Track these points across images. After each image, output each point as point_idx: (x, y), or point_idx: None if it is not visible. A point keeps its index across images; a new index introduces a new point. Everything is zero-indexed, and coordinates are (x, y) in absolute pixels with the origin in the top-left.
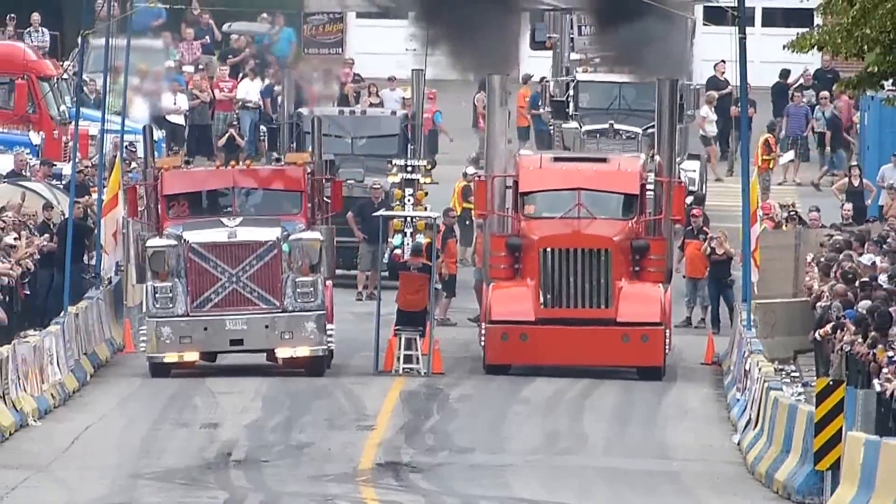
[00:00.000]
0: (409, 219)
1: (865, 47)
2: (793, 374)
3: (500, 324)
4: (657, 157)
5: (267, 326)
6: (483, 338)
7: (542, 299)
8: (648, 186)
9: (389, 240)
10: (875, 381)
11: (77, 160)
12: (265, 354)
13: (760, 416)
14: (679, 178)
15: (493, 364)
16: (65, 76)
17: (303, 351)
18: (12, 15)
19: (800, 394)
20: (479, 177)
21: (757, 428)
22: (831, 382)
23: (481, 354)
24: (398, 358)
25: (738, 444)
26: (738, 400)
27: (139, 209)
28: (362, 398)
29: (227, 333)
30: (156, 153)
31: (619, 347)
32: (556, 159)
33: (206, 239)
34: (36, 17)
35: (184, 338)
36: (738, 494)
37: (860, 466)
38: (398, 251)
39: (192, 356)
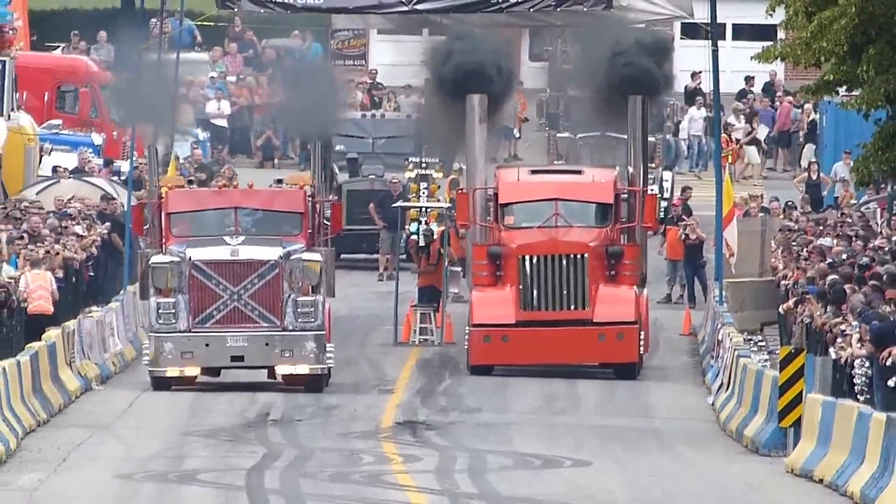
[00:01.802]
0: (423, 209)
1: (822, 58)
2: (759, 344)
3: (483, 327)
4: (630, 169)
5: (267, 344)
6: (467, 340)
7: (521, 303)
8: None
9: (406, 227)
10: (831, 350)
11: (134, 158)
12: (266, 371)
13: (731, 381)
14: (650, 188)
15: (476, 365)
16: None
17: (302, 369)
18: (75, 31)
19: (765, 361)
20: (462, 190)
21: (728, 391)
22: (793, 351)
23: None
24: (415, 330)
25: (712, 404)
26: (712, 366)
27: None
28: (383, 366)
29: (228, 350)
30: (202, 153)
31: (595, 346)
32: (534, 172)
33: (209, 257)
34: (102, 34)
35: (185, 353)
36: (712, 449)
37: (818, 424)
38: (414, 237)
39: (193, 371)
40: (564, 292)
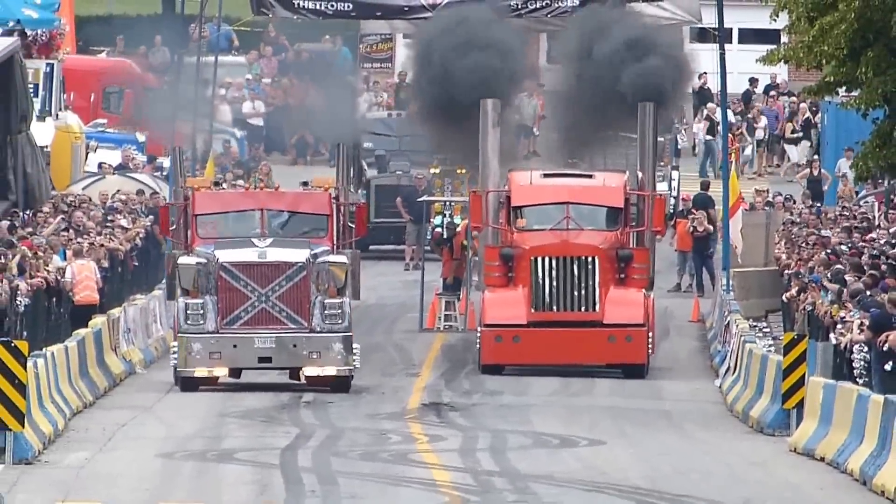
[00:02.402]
0: (447, 203)
1: (823, 61)
2: (764, 330)
3: (494, 327)
4: (640, 173)
5: (295, 346)
6: (479, 340)
7: (533, 304)
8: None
9: (431, 220)
10: (832, 336)
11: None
12: (288, 373)
13: (738, 365)
14: (659, 192)
15: (487, 364)
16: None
17: (330, 370)
18: (121, 36)
19: (770, 346)
20: (475, 192)
21: (735, 374)
22: (796, 336)
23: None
24: (439, 318)
25: (720, 387)
26: (720, 351)
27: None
28: (410, 351)
29: (256, 351)
30: (238, 149)
31: (605, 347)
32: (546, 175)
33: (237, 258)
34: (158, 38)
35: (213, 354)
36: (719, 429)
37: (820, 405)
38: (438, 229)
39: (220, 372)
40: (575, 294)
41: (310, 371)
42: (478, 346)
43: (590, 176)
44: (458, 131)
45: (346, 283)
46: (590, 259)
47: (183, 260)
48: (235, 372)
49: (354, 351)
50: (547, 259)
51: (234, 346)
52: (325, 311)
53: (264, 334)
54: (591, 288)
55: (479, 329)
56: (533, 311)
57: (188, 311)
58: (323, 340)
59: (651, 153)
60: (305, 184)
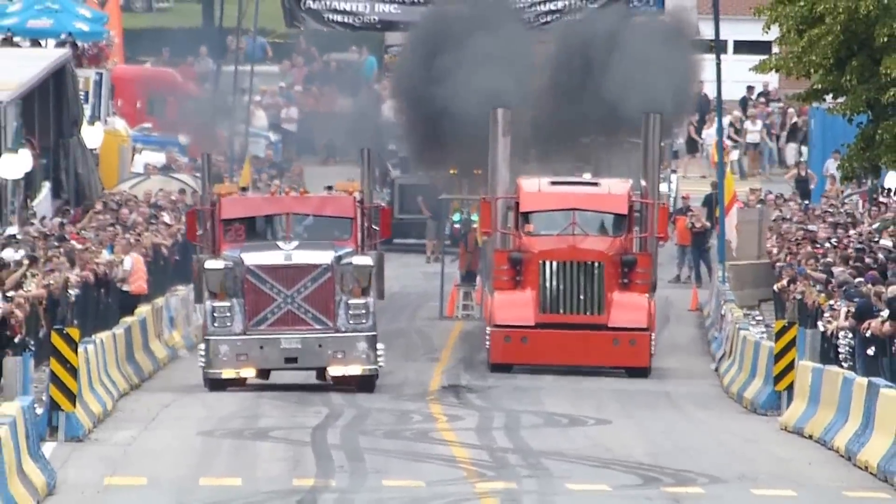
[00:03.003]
0: (463, 201)
1: (812, 70)
2: (757, 318)
3: (503, 328)
4: (643, 182)
5: (320, 346)
6: (488, 340)
7: (540, 306)
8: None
9: (450, 216)
10: (819, 323)
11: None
12: (315, 373)
13: (733, 350)
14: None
15: (496, 363)
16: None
17: (354, 370)
18: (167, 47)
19: (762, 333)
20: (485, 198)
21: (730, 358)
22: (787, 324)
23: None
24: (458, 306)
25: (716, 370)
26: (716, 337)
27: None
28: (431, 337)
29: (283, 352)
30: (273, 152)
31: (609, 350)
32: (553, 183)
33: (263, 261)
34: (203, 49)
35: (240, 355)
36: (716, 409)
37: (808, 387)
38: (457, 225)
39: (248, 373)
40: (581, 297)
41: (335, 370)
42: (487, 345)
43: (595, 184)
44: (464, 141)
45: (370, 284)
46: (595, 264)
47: (209, 264)
48: (264, 373)
49: (379, 350)
50: (554, 263)
51: (261, 347)
52: (350, 312)
53: (290, 335)
54: (597, 292)
55: (488, 330)
56: (541, 312)
57: (215, 314)
58: (348, 340)
59: (655, 162)
60: (330, 188)
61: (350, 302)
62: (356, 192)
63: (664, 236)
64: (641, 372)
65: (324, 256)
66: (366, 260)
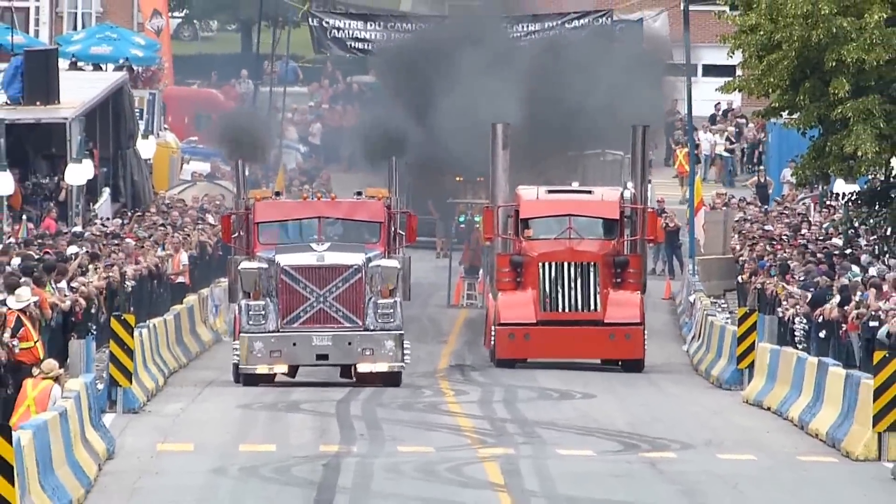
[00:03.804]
0: (468, 204)
1: (770, 90)
2: (722, 306)
3: (508, 326)
4: (633, 190)
5: (350, 343)
6: (493, 338)
7: (541, 305)
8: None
9: (456, 218)
10: (778, 309)
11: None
12: (340, 370)
13: (701, 333)
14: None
15: (502, 359)
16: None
17: (382, 366)
18: (214, 71)
19: (727, 318)
20: (487, 206)
21: (699, 341)
22: (748, 311)
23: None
24: (463, 296)
25: (687, 351)
26: (687, 323)
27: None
28: (440, 322)
29: (314, 349)
30: (303, 161)
31: (606, 344)
32: (550, 191)
33: (296, 262)
34: (244, 72)
35: (274, 352)
36: (688, 384)
37: (767, 366)
38: (462, 226)
39: (280, 368)
40: (578, 296)
41: (363, 367)
42: (493, 343)
43: (589, 191)
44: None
45: (397, 285)
46: (591, 265)
47: (244, 265)
48: (291, 370)
49: (405, 348)
50: (553, 265)
51: (294, 344)
52: (379, 311)
53: (322, 333)
54: (593, 290)
55: (493, 328)
56: (542, 311)
57: (250, 312)
58: (376, 338)
59: (642, 170)
60: (359, 193)
61: (378, 302)
62: (385, 197)
63: (654, 238)
64: (636, 364)
65: (354, 258)
66: (393, 262)
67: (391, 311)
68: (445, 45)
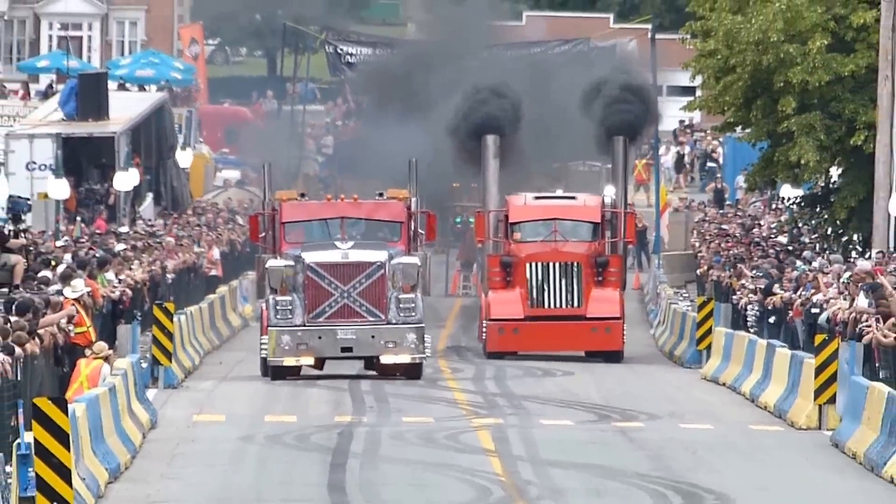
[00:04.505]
0: (463, 207)
1: (726, 108)
2: (684, 295)
3: (498, 321)
4: (613, 195)
5: (373, 336)
6: (485, 332)
7: (529, 301)
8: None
9: (452, 218)
10: (733, 298)
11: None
12: (363, 363)
13: (666, 319)
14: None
15: (492, 352)
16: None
17: (404, 358)
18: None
19: (688, 306)
20: (479, 212)
21: (664, 325)
22: (706, 299)
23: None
24: (459, 287)
25: (654, 335)
26: (653, 310)
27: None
28: (438, 309)
29: (339, 342)
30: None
31: (589, 336)
32: (537, 198)
33: (322, 259)
34: (269, 92)
35: (300, 345)
36: (654, 364)
37: (722, 347)
38: (458, 225)
39: (307, 361)
40: (563, 293)
41: (386, 359)
42: (484, 337)
43: (573, 197)
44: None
45: (417, 282)
46: (575, 264)
47: (271, 263)
48: (318, 363)
49: (426, 341)
50: (539, 265)
51: (320, 337)
52: (400, 306)
53: (346, 326)
54: (576, 288)
55: (485, 323)
56: (529, 307)
57: (278, 308)
58: (398, 331)
59: (622, 178)
60: (381, 194)
61: (400, 297)
62: (405, 198)
63: (633, 240)
64: (616, 355)
65: (377, 255)
66: (414, 260)
67: (412, 305)
68: (425, 64)
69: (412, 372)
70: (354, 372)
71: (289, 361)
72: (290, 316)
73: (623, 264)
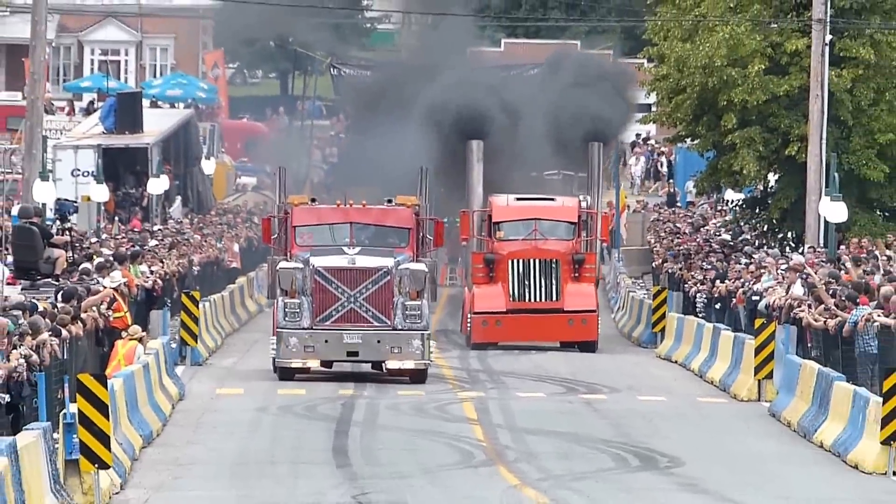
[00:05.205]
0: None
1: (677, 122)
2: (641, 285)
3: (481, 314)
4: (588, 198)
5: (379, 341)
6: (469, 325)
7: (510, 296)
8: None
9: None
10: (684, 287)
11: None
12: (371, 364)
13: (625, 306)
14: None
15: (477, 343)
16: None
17: (409, 364)
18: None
19: (644, 294)
20: (464, 211)
21: (623, 310)
22: (660, 288)
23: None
24: (447, 277)
25: (615, 319)
26: (614, 297)
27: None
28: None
29: (345, 346)
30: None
31: (565, 328)
32: (519, 199)
33: (329, 264)
34: (281, 109)
35: (307, 347)
36: (614, 344)
37: (675, 330)
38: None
39: (313, 363)
40: (542, 288)
41: (392, 364)
42: (469, 329)
43: (552, 199)
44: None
45: (424, 288)
46: (553, 261)
47: (282, 265)
48: (327, 364)
49: (431, 347)
50: (520, 261)
51: (326, 340)
52: (406, 312)
53: (352, 331)
54: (555, 283)
55: (469, 316)
56: (511, 301)
57: (286, 310)
58: (404, 337)
59: (597, 181)
60: (390, 201)
61: (406, 303)
62: (414, 205)
63: (607, 240)
64: (591, 345)
65: (384, 261)
66: (421, 266)
67: (418, 311)
68: (410, 80)
69: (417, 377)
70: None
71: (296, 363)
72: (297, 318)
73: (598, 261)
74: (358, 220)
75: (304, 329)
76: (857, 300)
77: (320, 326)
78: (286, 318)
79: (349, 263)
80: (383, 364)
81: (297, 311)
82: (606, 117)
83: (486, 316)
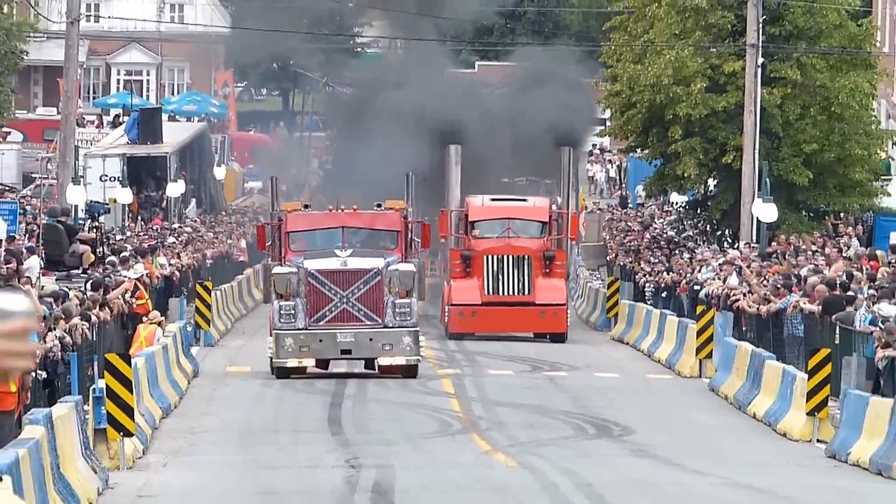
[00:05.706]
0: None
1: (629, 135)
2: (597, 276)
3: (458, 306)
4: (559, 199)
5: (371, 339)
6: (447, 315)
7: (485, 289)
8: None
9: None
10: (634, 278)
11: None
12: (364, 362)
13: (583, 294)
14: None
15: (454, 333)
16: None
17: (400, 360)
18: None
19: (600, 284)
20: (443, 211)
21: (582, 299)
22: (614, 279)
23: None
24: (427, 269)
25: (574, 307)
26: (574, 287)
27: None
28: None
29: (339, 344)
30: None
31: (537, 320)
32: (493, 199)
33: (322, 266)
34: (282, 123)
35: (303, 347)
36: (574, 329)
37: (626, 315)
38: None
39: (308, 362)
40: (515, 282)
41: (384, 361)
42: (447, 320)
43: (524, 199)
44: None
45: (413, 287)
46: (525, 257)
47: (277, 270)
48: (323, 363)
49: (421, 343)
50: (495, 257)
51: (320, 340)
52: (397, 310)
53: (345, 330)
54: (527, 278)
55: (447, 308)
56: (486, 294)
57: (281, 312)
58: (395, 335)
59: (567, 183)
60: (379, 205)
61: (396, 302)
62: (402, 208)
63: (575, 238)
64: (561, 337)
65: (375, 262)
66: (410, 267)
67: (407, 310)
68: (392, 93)
69: (408, 372)
70: (356, 371)
71: (291, 363)
72: (292, 320)
73: (567, 258)
74: (349, 224)
75: (299, 330)
76: (791, 288)
77: (315, 327)
78: (282, 320)
79: (341, 265)
80: (375, 361)
81: (292, 312)
82: (573, 122)
83: (463, 308)
